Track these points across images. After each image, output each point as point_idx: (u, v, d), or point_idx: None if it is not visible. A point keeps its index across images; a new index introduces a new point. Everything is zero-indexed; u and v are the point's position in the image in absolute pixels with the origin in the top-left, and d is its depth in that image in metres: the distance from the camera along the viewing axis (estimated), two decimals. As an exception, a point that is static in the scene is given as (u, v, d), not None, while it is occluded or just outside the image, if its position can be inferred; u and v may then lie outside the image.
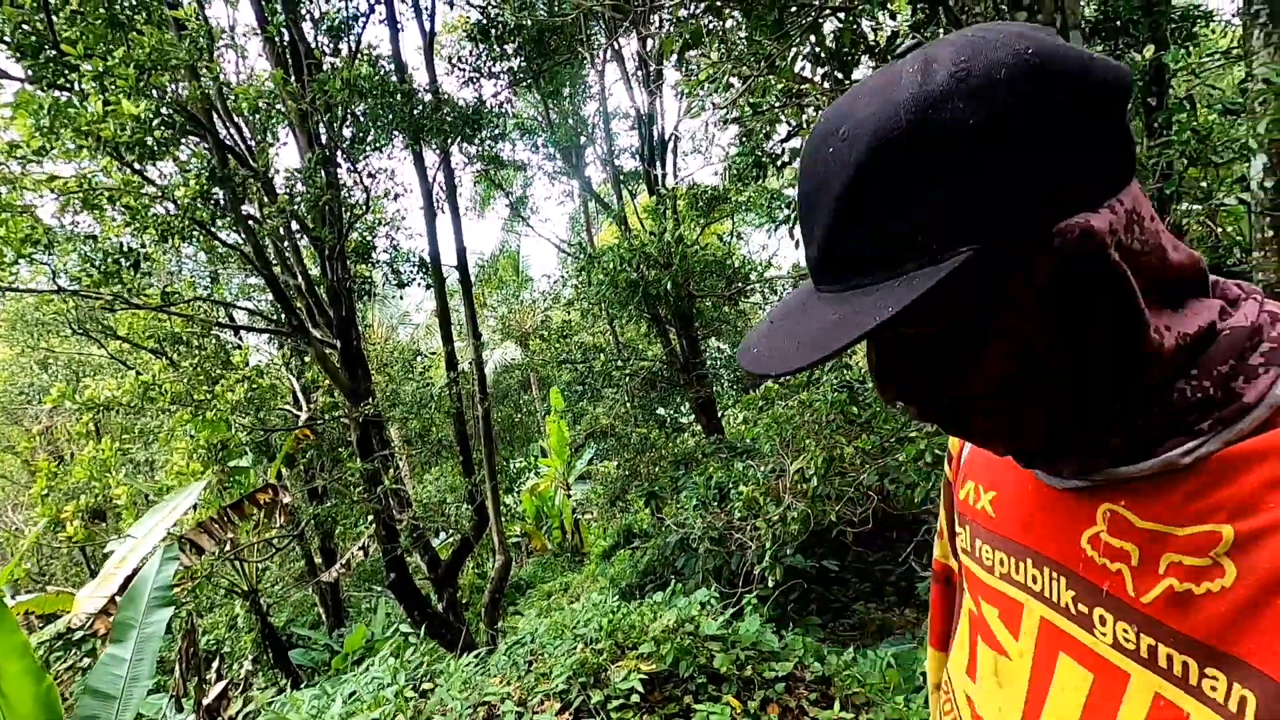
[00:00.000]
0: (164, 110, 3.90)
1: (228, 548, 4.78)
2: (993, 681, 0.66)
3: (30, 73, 4.59)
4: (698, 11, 2.96)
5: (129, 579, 4.36)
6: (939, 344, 0.50)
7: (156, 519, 4.76)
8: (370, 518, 6.88)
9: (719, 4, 2.88)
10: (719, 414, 11.53)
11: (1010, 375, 0.49)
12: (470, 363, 8.39)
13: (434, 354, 14.15)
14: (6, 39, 4.42)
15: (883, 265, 0.47)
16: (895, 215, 0.45)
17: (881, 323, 0.44)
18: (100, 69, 3.85)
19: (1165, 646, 0.49)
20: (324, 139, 5.86)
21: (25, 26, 4.47)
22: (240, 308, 7.98)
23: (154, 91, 3.98)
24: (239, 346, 10.37)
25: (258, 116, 7.26)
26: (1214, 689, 0.46)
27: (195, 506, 5.12)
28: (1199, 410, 0.49)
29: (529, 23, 6.31)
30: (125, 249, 5.24)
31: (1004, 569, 0.65)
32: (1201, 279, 0.52)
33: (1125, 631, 0.52)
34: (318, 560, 11.20)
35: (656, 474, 11.28)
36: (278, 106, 7.01)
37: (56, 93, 3.99)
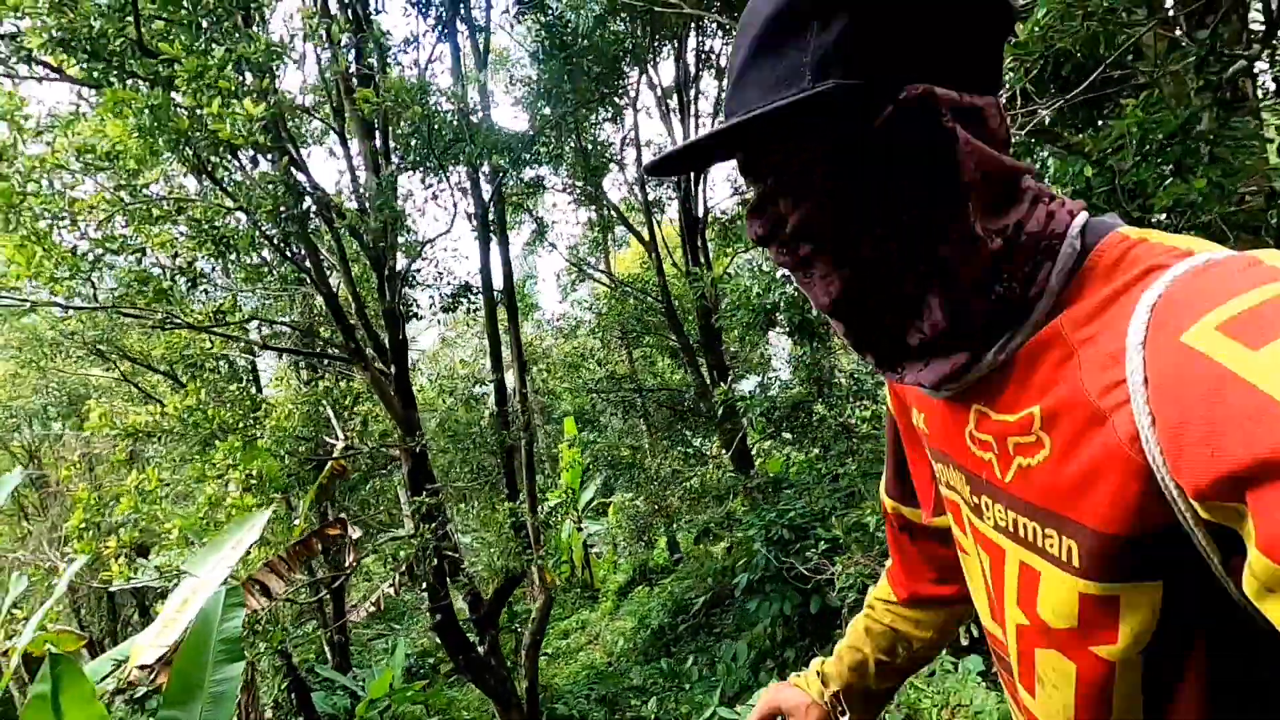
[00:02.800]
0: (269, 112, 3.65)
1: (294, 589, 4.38)
2: (969, 583, 0.75)
3: (104, 77, 4.31)
4: None
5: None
6: (811, 179, 0.54)
7: (218, 556, 4.36)
8: (401, 554, 6.46)
9: None
10: (749, 448, 11.23)
11: (864, 220, 0.54)
12: (513, 391, 8.07)
13: (446, 379, 13.73)
14: (83, 43, 4.15)
15: (772, 92, 0.53)
16: (789, 52, 0.53)
17: (749, 118, 0.51)
18: (196, 68, 3.58)
19: (1021, 517, 0.58)
20: (395, 157, 5.61)
21: (101, 25, 4.21)
22: (284, 324, 7.60)
23: (252, 95, 3.72)
24: (252, 370, 9.92)
25: (304, 136, 7.02)
26: (1051, 545, 0.55)
27: (261, 542, 4.71)
28: (1008, 307, 0.55)
29: (604, 38, 6.14)
30: (185, 265, 4.93)
31: (944, 478, 0.73)
32: (1022, 186, 0.57)
33: (999, 511, 0.61)
34: (323, 592, 10.62)
35: (682, 508, 10.93)
36: (319, 122, 6.77)
37: (144, 91, 3.72)
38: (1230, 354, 0.41)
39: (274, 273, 6.93)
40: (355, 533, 4.69)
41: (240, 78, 3.61)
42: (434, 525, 5.35)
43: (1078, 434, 0.51)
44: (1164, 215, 2.47)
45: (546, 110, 7.05)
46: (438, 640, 8.70)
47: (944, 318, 0.55)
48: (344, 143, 6.56)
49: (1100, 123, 2.97)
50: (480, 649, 7.32)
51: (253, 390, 6.04)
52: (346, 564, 5.18)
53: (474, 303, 7.84)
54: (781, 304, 3.35)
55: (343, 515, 4.72)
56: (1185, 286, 0.47)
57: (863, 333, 0.60)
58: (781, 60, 0.53)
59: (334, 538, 4.63)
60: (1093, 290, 0.53)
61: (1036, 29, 1.84)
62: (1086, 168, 2.69)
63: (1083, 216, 0.56)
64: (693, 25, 9.42)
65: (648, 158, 12.35)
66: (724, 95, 0.60)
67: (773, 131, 0.54)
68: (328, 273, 6.64)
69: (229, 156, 4.01)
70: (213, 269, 6.18)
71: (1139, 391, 0.46)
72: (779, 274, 3.49)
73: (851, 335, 0.61)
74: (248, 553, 4.55)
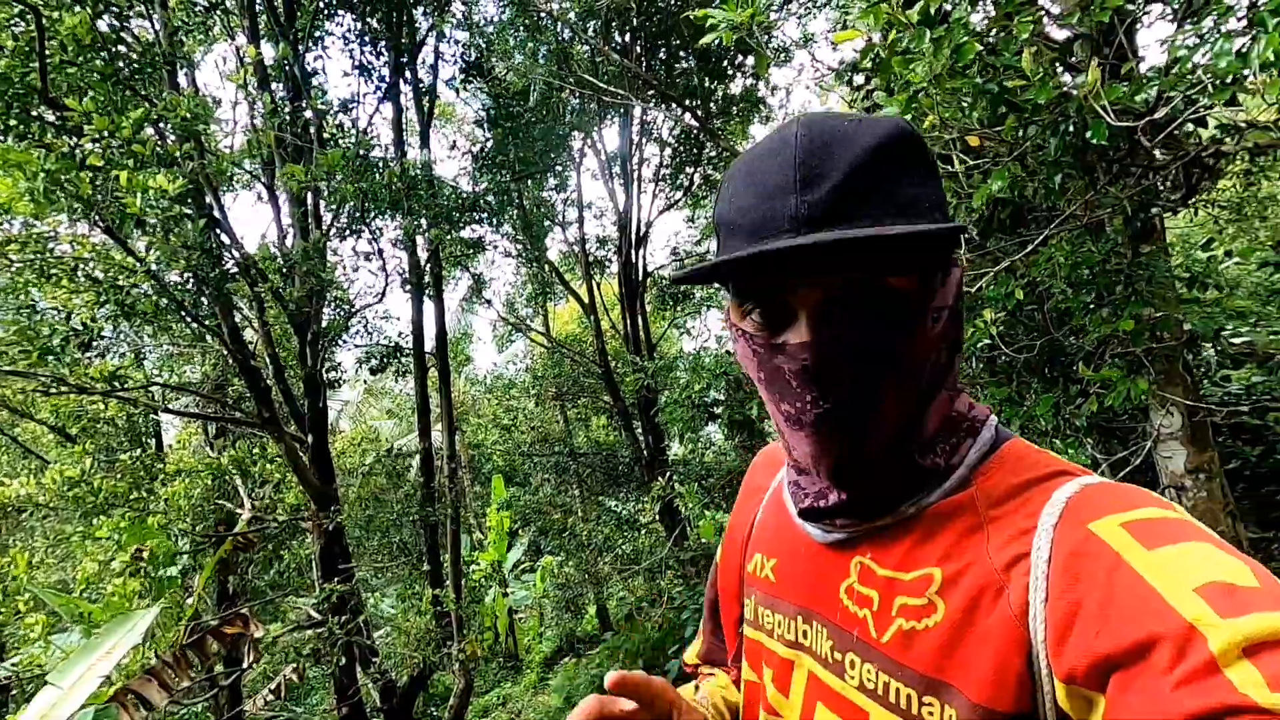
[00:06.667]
0: (181, 180, 3.38)
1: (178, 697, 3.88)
2: None
3: (3, 121, 3.96)
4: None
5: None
6: (896, 309, 0.55)
7: (87, 663, 3.83)
8: (308, 649, 5.92)
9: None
10: (681, 515, 11.07)
11: (922, 361, 0.56)
12: (444, 458, 7.70)
13: (370, 442, 13.03)
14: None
15: (900, 218, 0.53)
16: (903, 186, 0.54)
17: (905, 233, 0.50)
18: (107, 129, 3.32)
19: (896, 682, 0.55)
20: (325, 220, 5.37)
21: (4, 66, 3.89)
22: (191, 386, 7.04)
23: (167, 161, 3.46)
24: (155, 434, 9.09)
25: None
26: (930, 714, 0.53)
27: (150, 637, 4.17)
28: (932, 473, 0.59)
29: (551, 109, 6.15)
30: (80, 327, 4.50)
31: (781, 629, 0.70)
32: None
33: (869, 672, 0.58)
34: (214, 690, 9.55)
35: (614, 574, 10.56)
36: (262, 182, 6.47)
37: (45, 150, 3.39)
38: (1128, 547, 0.46)
39: (184, 324, 6.45)
40: (258, 631, 4.24)
41: (159, 140, 3.35)
42: (344, 619, 4.92)
43: (975, 602, 0.53)
44: (1093, 346, 2.58)
45: (491, 176, 6.97)
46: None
47: (897, 469, 0.59)
48: (273, 200, 6.26)
49: (1025, 242, 3.12)
50: (391, 743, 6.73)
51: (151, 453, 5.49)
52: (246, 664, 4.67)
53: (404, 366, 7.52)
54: (721, 399, 3.32)
55: (244, 611, 4.26)
56: (1096, 490, 0.53)
57: (844, 475, 0.60)
58: (891, 197, 0.54)
59: (232, 636, 4.17)
60: (1004, 477, 0.57)
61: (987, 195, 1.89)
62: (1018, 290, 2.79)
63: (994, 417, 0.63)
64: (638, 99, 9.67)
65: (589, 219, 12.42)
66: (784, 197, 0.53)
67: (909, 248, 0.54)
68: (242, 328, 6.23)
69: (137, 229, 3.70)
70: (115, 329, 5.68)
71: (1040, 567, 0.50)
72: (718, 371, 3.46)
73: (835, 475, 0.60)
74: (125, 659, 4.02)
